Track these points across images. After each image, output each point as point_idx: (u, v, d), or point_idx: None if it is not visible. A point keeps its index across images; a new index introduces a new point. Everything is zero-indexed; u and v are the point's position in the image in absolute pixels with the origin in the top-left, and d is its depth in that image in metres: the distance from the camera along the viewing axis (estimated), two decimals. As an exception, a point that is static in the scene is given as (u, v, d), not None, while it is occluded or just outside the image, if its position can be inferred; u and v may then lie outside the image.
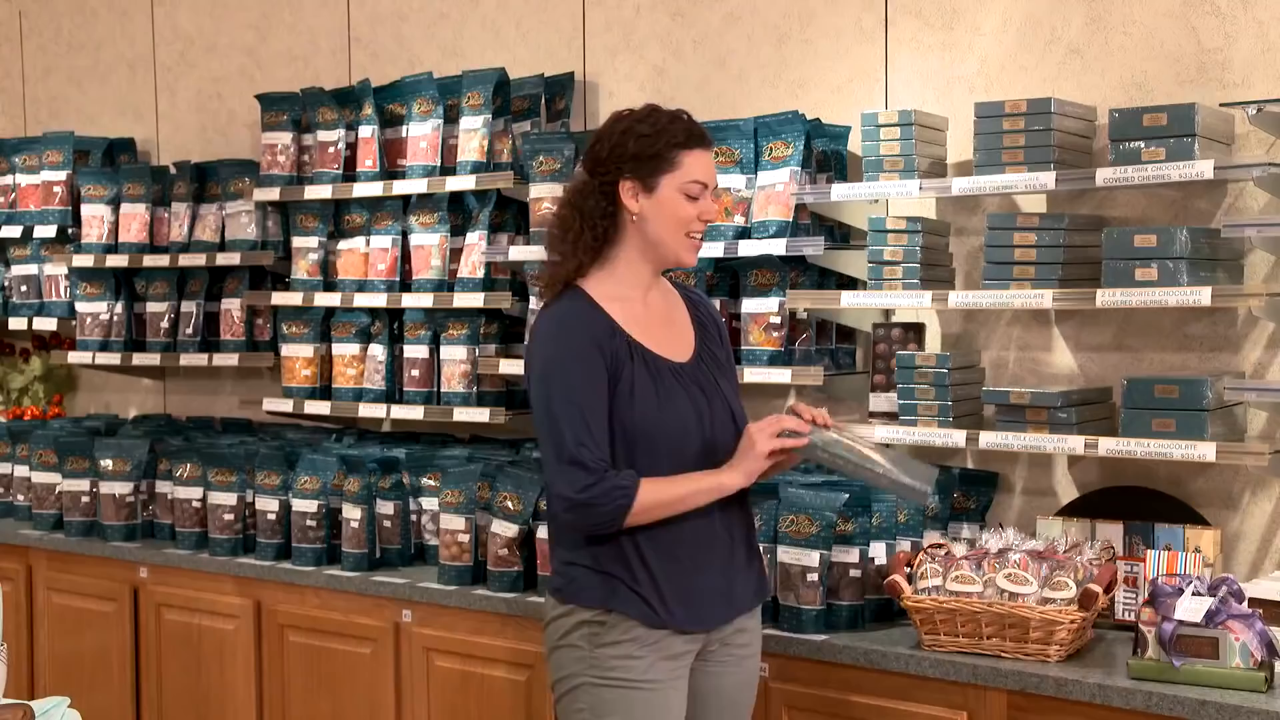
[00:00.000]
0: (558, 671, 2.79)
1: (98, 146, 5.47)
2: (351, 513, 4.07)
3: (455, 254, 4.38)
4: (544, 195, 4.08)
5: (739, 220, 3.76)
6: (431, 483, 4.12)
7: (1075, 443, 3.24)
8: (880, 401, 3.66)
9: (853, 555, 3.30)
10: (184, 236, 5.05)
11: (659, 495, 2.67)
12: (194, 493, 4.46)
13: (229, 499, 4.35)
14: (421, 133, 4.41)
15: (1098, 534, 3.33)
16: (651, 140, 2.72)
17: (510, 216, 4.37)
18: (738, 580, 2.82)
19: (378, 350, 4.53)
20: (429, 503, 4.12)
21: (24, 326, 5.52)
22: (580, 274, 2.80)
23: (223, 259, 4.90)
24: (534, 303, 4.10)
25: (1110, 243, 3.23)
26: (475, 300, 4.22)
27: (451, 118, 4.42)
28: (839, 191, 3.63)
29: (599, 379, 2.68)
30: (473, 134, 4.29)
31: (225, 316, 4.97)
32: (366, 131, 4.53)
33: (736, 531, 2.82)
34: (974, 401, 3.54)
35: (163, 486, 4.64)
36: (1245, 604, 2.84)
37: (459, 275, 4.31)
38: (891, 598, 3.18)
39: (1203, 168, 3.09)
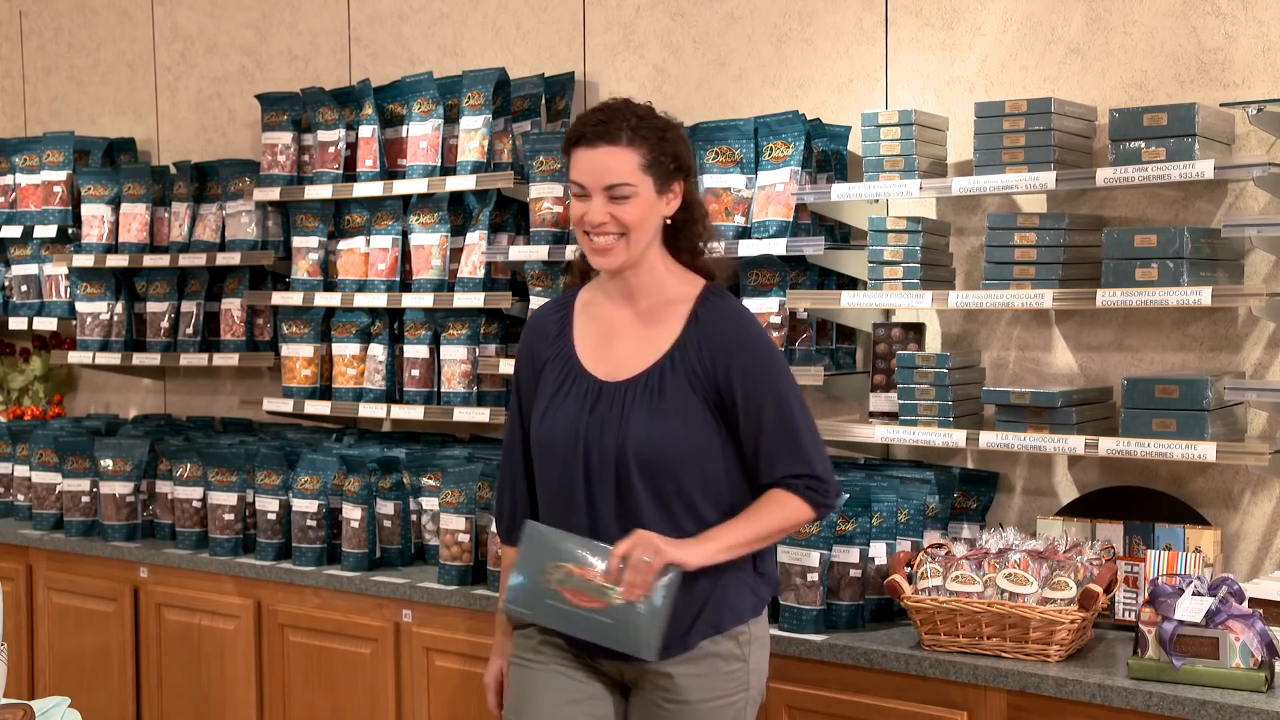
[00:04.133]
0: None
1: (98, 146, 5.46)
2: (351, 513, 4.07)
3: (455, 254, 4.38)
4: (544, 195, 4.08)
5: (739, 220, 3.76)
6: (432, 483, 4.12)
7: (1075, 443, 3.24)
8: (880, 401, 3.66)
9: (853, 555, 3.30)
10: (184, 236, 5.05)
11: (507, 555, 2.88)
12: (194, 493, 4.46)
13: (229, 499, 4.35)
14: (421, 132, 4.41)
15: (1098, 534, 3.34)
16: (564, 141, 2.76)
17: (510, 216, 4.37)
18: None
19: (378, 350, 4.53)
20: (429, 503, 4.12)
21: (24, 326, 5.51)
22: (584, 273, 2.89)
23: (223, 259, 4.90)
24: (534, 302, 4.10)
25: (1110, 243, 3.23)
26: (475, 300, 4.22)
27: (451, 117, 4.42)
28: (839, 191, 3.63)
29: (526, 393, 2.82)
30: (473, 134, 4.29)
31: (225, 316, 4.97)
32: (366, 131, 4.53)
33: None
34: (974, 401, 3.54)
35: (163, 486, 4.64)
36: (1245, 604, 2.84)
37: (459, 275, 4.31)
38: (891, 598, 3.18)
39: (1203, 168, 3.09)
